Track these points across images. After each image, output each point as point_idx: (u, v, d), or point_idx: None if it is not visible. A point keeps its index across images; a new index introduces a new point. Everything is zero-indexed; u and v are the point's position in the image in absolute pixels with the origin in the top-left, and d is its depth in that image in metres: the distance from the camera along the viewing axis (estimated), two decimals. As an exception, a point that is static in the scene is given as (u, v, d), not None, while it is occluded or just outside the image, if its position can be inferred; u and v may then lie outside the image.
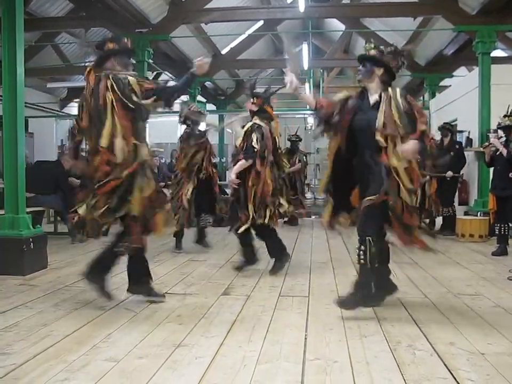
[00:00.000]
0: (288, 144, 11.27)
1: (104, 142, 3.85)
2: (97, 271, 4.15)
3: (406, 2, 11.19)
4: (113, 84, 3.91)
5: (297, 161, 10.86)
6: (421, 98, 17.45)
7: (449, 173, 8.78)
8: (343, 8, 12.94)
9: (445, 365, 2.93)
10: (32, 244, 5.58)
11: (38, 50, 14.08)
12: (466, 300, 4.44)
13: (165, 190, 5.55)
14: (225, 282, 5.18)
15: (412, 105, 3.80)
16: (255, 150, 5.32)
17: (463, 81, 12.21)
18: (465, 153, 9.41)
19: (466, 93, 11.04)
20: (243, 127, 5.61)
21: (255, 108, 5.62)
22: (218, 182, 7.46)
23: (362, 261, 3.85)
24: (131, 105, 3.88)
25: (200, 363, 2.95)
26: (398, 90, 3.88)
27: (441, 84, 14.65)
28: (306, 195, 12.23)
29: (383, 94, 3.87)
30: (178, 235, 7.13)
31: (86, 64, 15.55)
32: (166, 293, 4.68)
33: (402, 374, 2.79)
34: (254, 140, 5.35)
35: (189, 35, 13.38)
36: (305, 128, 17.92)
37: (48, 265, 5.92)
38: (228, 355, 3.09)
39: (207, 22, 12.44)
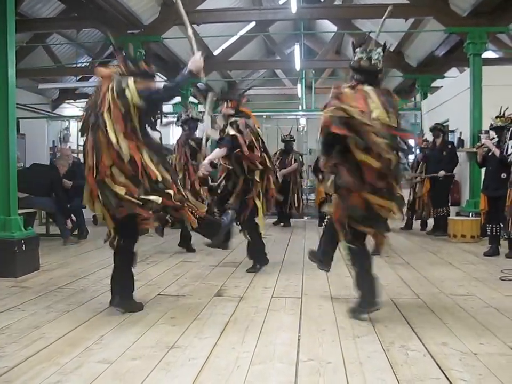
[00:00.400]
0: (282, 145, 11.24)
1: (113, 139, 3.78)
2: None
3: (397, 4, 11.17)
4: (114, 85, 3.87)
5: (292, 161, 10.84)
6: (413, 99, 17.53)
7: (442, 172, 8.80)
8: (335, 9, 12.98)
9: (438, 365, 2.94)
10: (24, 245, 5.55)
11: (29, 51, 14.05)
12: (458, 300, 4.45)
13: None
14: (218, 283, 5.18)
15: None
16: (233, 137, 5.38)
17: (454, 82, 12.26)
18: (457, 153, 9.45)
19: (457, 94, 11.09)
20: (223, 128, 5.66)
21: (231, 111, 5.65)
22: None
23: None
24: (122, 107, 3.83)
25: (193, 364, 2.94)
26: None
27: (433, 84, 14.70)
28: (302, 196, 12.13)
29: None
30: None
31: (78, 65, 15.63)
32: (158, 294, 4.69)
33: (395, 374, 2.79)
34: (231, 131, 5.40)
35: (181, 36, 13.35)
36: (297, 129, 17.94)
37: (40, 267, 5.89)
38: (221, 356, 3.08)
39: (199, 23, 12.43)
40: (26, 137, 13.98)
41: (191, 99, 16.34)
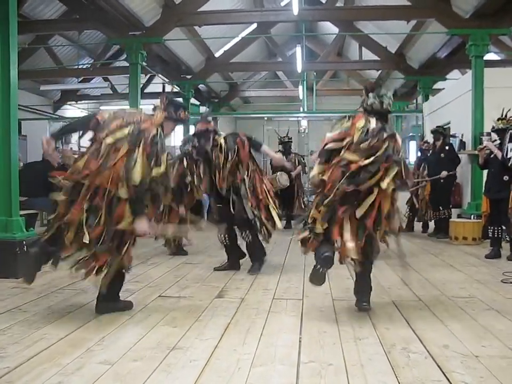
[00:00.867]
0: (279, 147, 11.14)
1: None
2: None
3: (399, 6, 11.22)
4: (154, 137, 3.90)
5: (296, 163, 10.81)
6: (414, 101, 17.52)
7: (444, 173, 8.80)
8: (336, 11, 12.96)
9: (439, 367, 2.93)
10: (25, 246, 5.55)
11: (31, 53, 14.06)
12: (460, 303, 4.45)
13: None
14: (219, 285, 5.18)
15: None
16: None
17: (456, 84, 12.26)
18: (459, 156, 9.44)
19: (459, 96, 11.08)
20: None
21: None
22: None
23: None
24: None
25: (194, 366, 2.94)
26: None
27: (435, 86, 14.70)
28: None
29: None
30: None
31: (80, 67, 15.64)
32: (159, 295, 4.69)
33: (396, 377, 2.79)
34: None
35: (183, 38, 13.38)
36: (298, 131, 17.95)
37: (42, 268, 5.88)
38: (222, 358, 3.08)
39: (200, 25, 12.46)
40: (28, 138, 13.98)
41: (193, 101, 16.35)
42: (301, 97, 16.92)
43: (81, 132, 4.28)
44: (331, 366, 2.95)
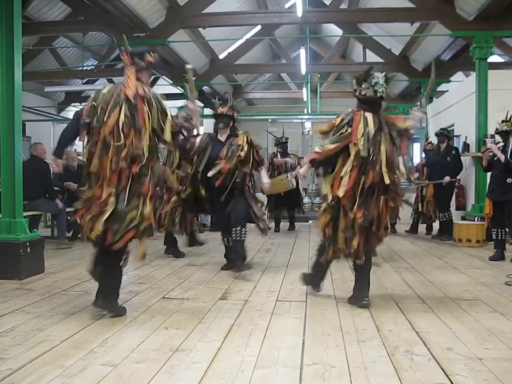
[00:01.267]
0: (275, 148, 11.10)
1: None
2: None
3: (403, 8, 11.21)
4: (152, 100, 4.00)
5: (296, 163, 10.83)
6: (418, 103, 17.49)
7: (447, 178, 8.79)
8: (340, 13, 12.94)
9: (443, 370, 2.92)
10: (29, 248, 5.56)
11: (36, 54, 14.12)
12: (464, 305, 4.44)
13: None
14: (223, 287, 5.18)
15: None
16: None
17: (460, 87, 12.23)
18: (462, 158, 9.43)
19: (463, 98, 11.06)
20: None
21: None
22: None
23: None
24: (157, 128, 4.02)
25: (197, 368, 2.94)
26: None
27: (438, 89, 14.66)
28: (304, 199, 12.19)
29: None
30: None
31: (84, 68, 15.67)
32: (163, 297, 4.69)
33: (400, 379, 2.78)
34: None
35: (187, 40, 13.41)
36: (302, 133, 17.95)
37: (45, 269, 5.90)
38: (225, 360, 3.08)
39: (204, 27, 12.47)
40: (32, 140, 14.00)
41: (197, 102, 16.34)
42: (305, 99, 16.90)
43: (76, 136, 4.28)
44: (334, 368, 2.94)
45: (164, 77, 14.55)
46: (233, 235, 5.77)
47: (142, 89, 4.00)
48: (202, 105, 17.19)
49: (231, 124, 5.90)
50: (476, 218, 9.24)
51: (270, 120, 15.95)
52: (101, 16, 10.98)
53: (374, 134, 4.22)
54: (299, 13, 10.83)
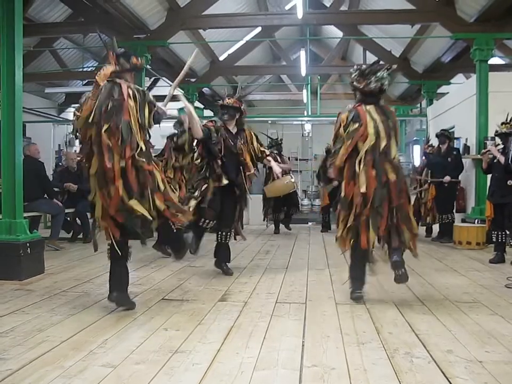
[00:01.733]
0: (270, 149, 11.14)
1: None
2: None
3: (403, 10, 11.23)
4: (135, 92, 4.13)
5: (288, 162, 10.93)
6: (418, 105, 17.51)
7: (447, 178, 8.77)
8: (341, 15, 12.96)
9: (443, 372, 2.92)
10: (29, 248, 5.56)
11: (36, 56, 14.13)
12: (464, 307, 4.43)
13: None
14: (222, 288, 5.17)
15: None
16: None
17: (460, 89, 12.24)
18: (463, 160, 9.42)
19: (463, 100, 11.07)
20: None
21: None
22: None
23: None
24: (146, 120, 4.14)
25: (197, 369, 2.94)
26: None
27: (439, 91, 14.70)
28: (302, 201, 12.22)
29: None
30: None
31: (85, 70, 15.69)
32: (162, 298, 4.69)
33: (400, 382, 2.78)
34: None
35: (187, 41, 13.42)
36: (302, 135, 17.95)
37: (45, 270, 5.90)
38: (225, 361, 3.07)
39: (205, 28, 12.50)
40: (32, 141, 14.01)
41: (197, 104, 16.38)
42: (305, 101, 16.93)
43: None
44: (334, 370, 2.93)
45: (164, 78, 14.57)
46: (218, 238, 5.88)
47: (126, 86, 4.12)
48: (202, 106, 17.24)
49: (237, 116, 5.83)
50: (476, 221, 9.24)
51: (269, 122, 15.95)
52: (101, 18, 11.00)
53: (383, 126, 4.39)
54: (299, 14, 10.85)
